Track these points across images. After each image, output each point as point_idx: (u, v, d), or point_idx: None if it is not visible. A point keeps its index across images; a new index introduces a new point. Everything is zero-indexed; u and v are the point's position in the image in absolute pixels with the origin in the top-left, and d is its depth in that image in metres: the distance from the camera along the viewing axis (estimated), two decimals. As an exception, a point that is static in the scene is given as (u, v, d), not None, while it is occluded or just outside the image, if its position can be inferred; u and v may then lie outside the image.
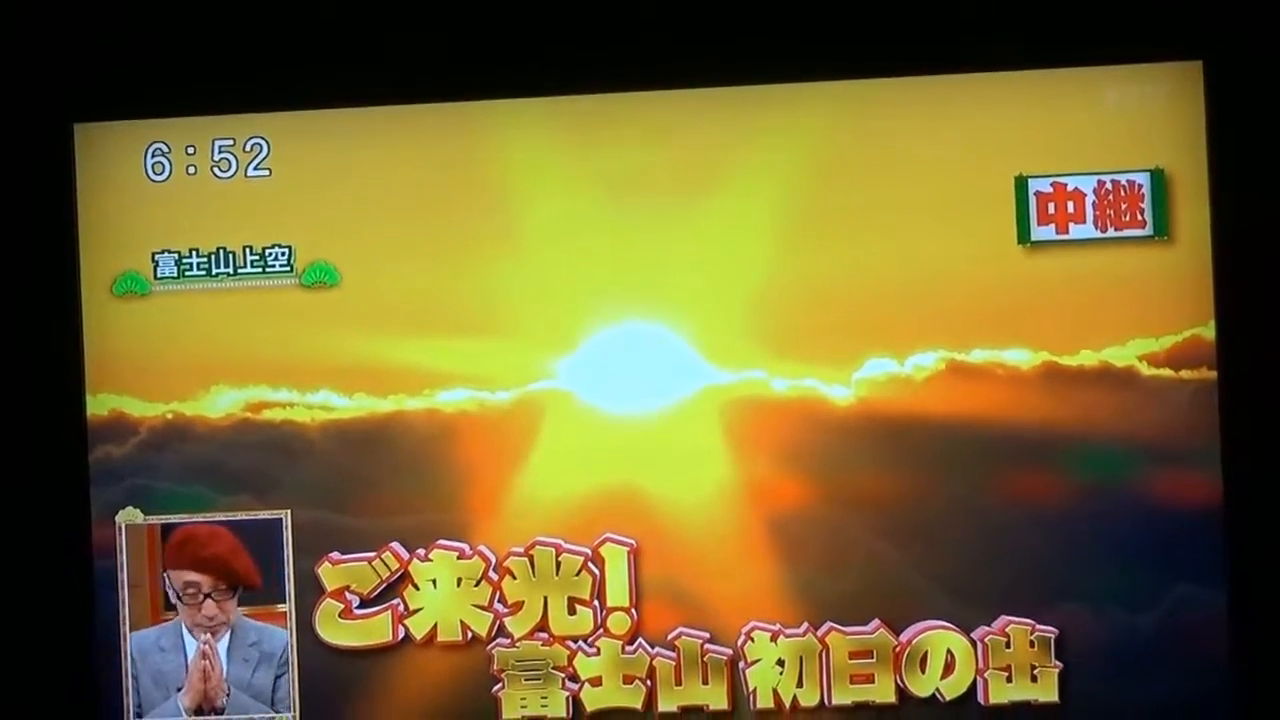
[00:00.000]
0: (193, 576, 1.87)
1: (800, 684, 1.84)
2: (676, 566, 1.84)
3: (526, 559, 1.85)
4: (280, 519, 1.86)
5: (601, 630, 1.85)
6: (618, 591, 1.84)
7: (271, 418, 1.86)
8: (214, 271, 1.86)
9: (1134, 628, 1.81)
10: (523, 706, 1.85)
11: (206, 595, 1.87)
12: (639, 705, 1.85)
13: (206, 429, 1.87)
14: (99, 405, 1.87)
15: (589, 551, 1.84)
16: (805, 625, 1.83)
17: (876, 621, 1.83)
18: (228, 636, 1.88)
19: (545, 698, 1.85)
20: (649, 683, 1.85)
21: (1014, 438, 1.82)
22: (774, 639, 1.84)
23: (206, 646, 1.87)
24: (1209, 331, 1.80)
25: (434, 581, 1.86)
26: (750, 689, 1.84)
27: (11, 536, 1.88)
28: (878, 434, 1.83)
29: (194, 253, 1.86)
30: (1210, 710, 1.80)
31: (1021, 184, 1.81)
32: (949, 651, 1.82)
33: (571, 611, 1.85)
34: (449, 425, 1.85)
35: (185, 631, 1.88)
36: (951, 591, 1.83)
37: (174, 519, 1.87)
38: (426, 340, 1.85)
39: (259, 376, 1.86)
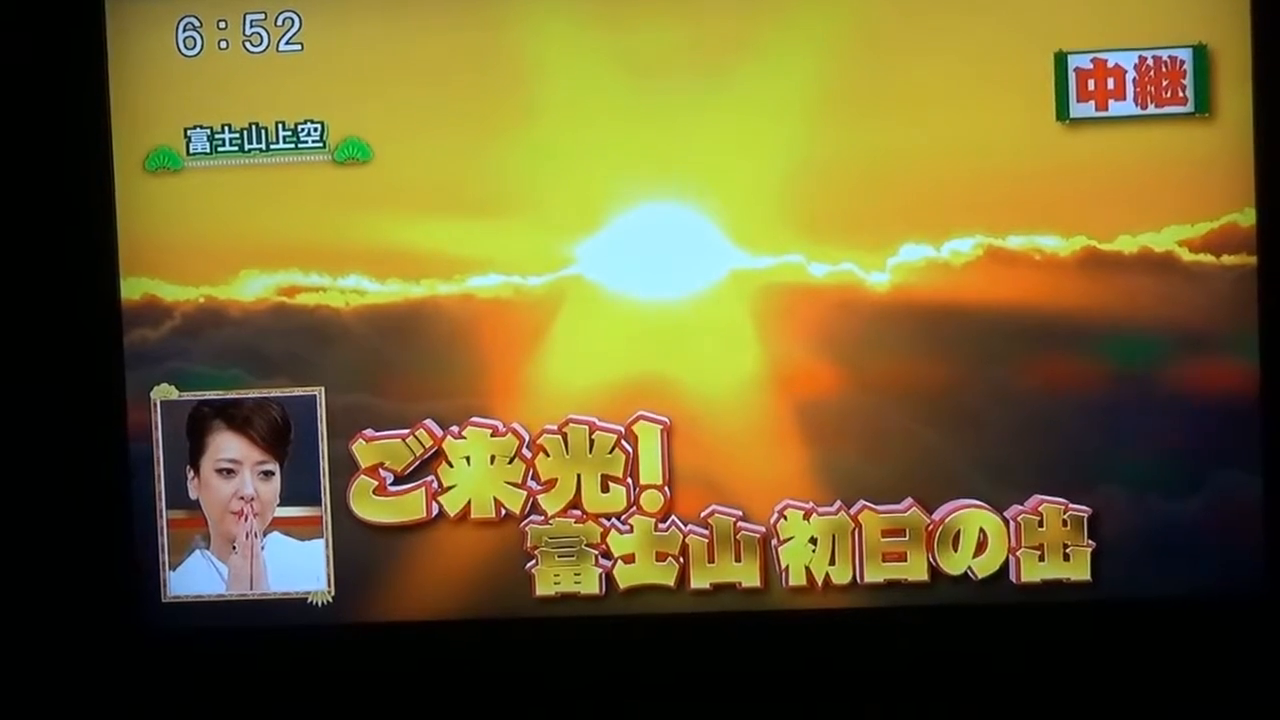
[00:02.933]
0: (231, 451, 1.88)
1: (833, 562, 1.84)
2: (709, 446, 1.84)
3: (560, 436, 1.85)
4: (314, 395, 1.87)
5: (634, 508, 1.85)
6: (650, 469, 1.84)
7: (305, 302, 1.86)
8: (246, 147, 1.85)
9: (1169, 511, 1.80)
10: (556, 583, 1.87)
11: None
12: (671, 582, 1.86)
13: (240, 313, 1.87)
14: (131, 289, 1.87)
15: (622, 429, 1.84)
16: (838, 504, 1.83)
17: (909, 500, 1.83)
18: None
19: (578, 574, 1.86)
20: (681, 560, 1.85)
21: (1049, 322, 1.80)
22: (807, 517, 1.84)
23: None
24: (1245, 219, 1.77)
25: (467, 459, 1.86)
26: (782, 566, 1.85)
27: (50, 415, 1.90)
28: (912, 318, 1.81)
29: (226, 128, 1.85)
30: (1243, 594, 1.80)
31: (1061, 60, 1.78)
32: (981, 530, 1.82)
33: (604, 489, 1.85)
34: (481, 310, 1.85)
35: (211, 560, 1.90)
36: (986, 475, 1.82)
37: (208, 395, 1.88)
38: (459, 220, 1.84)
39: (290, 259, 1.85)
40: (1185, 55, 1.77)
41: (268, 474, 1.88)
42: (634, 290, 1.84)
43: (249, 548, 1.89)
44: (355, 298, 1.86)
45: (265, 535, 1.89)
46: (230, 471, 1.88)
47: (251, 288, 1.86)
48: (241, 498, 1.88)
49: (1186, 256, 1.78)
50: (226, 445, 1.88)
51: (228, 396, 1.88)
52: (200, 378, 1.88)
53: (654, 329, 1.84)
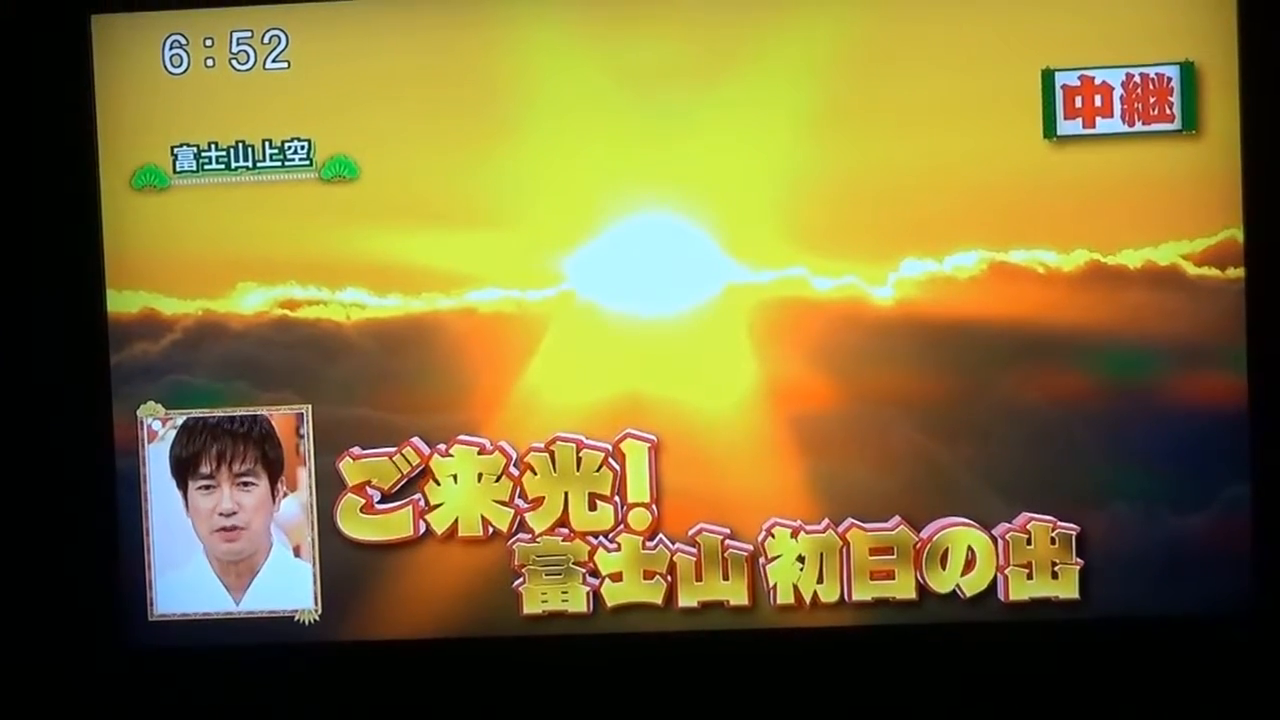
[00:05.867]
0: (208, 468, 1.87)
1: (820, 580, 1.84)
2: (698, 463, 1.84)
3: (547, 454, 1.85)
4: (301, 413, 1.86)
5: (622, 526, 1.85)
6: (638, 487, 1.84)
7: (304, 315, 1.85)
8: (233, 165, 1.85)
9: (1157, 529, 1.80)
10: (543, 601, 1.86)
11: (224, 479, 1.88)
12: (659, 600, 1.85)
13: (242, 326, 1.86)
14: (128, 302, 1.87)
15: (610, 447, 1.84)
16: (826, 521, 1.83)
17: (897, 518, 1.82)
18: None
19: (566, 593, 1.86)
20: (669, 578, 1.85)
21: (1040, 339, 1.80)
22: (794, 535, 1.83)
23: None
24: (1235, 236, 1.77)
25: (455, 477, 1.86)
26: (770, 585, 1.84)
27: (37, 435, 1.90)
28: (907, 334, 1.81)
29: (213, 146, 1.85)
30: (1231, 611, 1.80)
31: (1048, 77, 1.78)
32: (970, 548, 1.82)
33: (592, 507, 1.85)
34: (473, 326, 1.84)
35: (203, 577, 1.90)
36: (975, 492, 1.82)
37: (195, 413, 1.87)
38: (447, 238, 1.83)
39: (284, 274, 1.85)
40: (1173, 73, 1.77)
41: (248, 485, 1.87)
42: (627, 306, 1.84)
43: (236, 567, 1.89)
44: (356, 311, 1.85)
45: (261, 550, 1.88)
46: (209, 487, 1.88)
47: (248, 301, 1.85)
48: (222, 514, 1.88)
49: (1177, 273, 1.78)
50: (204, 462, 1.88)
51: (213, 414, 1.87)
52: (202, 391, 1.87)
53: (646, 345, 1.84)
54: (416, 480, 1.86)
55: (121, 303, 1.87)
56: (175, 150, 1.85)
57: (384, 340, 1.85)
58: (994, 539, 1.82)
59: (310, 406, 1.86)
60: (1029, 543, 1.81)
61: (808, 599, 1.84)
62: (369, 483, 1.87)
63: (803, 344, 1.81)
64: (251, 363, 1.87)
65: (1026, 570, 1.82)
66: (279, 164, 1.84)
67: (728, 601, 1.85)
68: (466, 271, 1.84)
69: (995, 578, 1.82)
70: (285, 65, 1.84)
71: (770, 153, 1.80)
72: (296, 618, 1.89)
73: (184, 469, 1.88)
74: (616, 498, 1.84)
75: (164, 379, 1.88)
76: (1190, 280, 1.77)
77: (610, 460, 1.84)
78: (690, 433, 1.84)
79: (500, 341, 1.84)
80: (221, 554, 1.89)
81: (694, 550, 1.85)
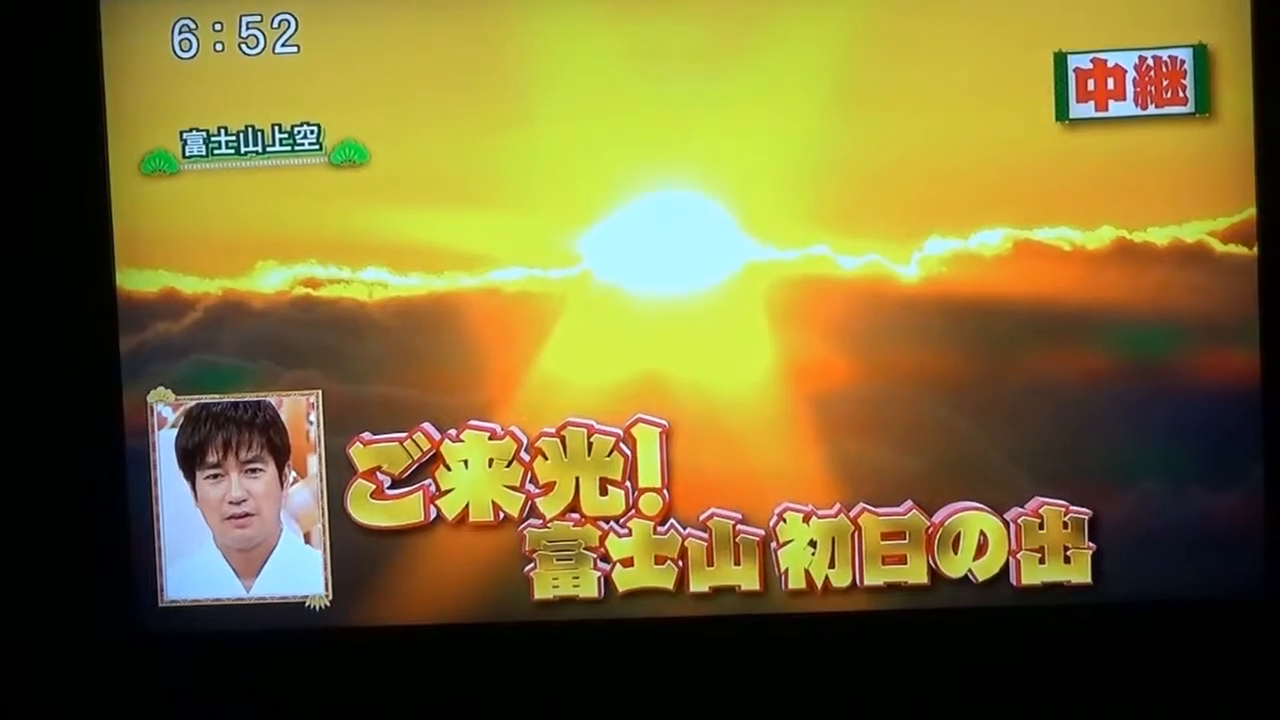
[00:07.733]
0: (215, 456, 1.87)
1: (832, 565, 1.83)
2: (709, 447, 1.83)
3: (558, 440, 1.84)
4: (311, 399, 1.86)
5: (633, 511, 1.85)
6: (649, 472, 1.84)
7: (327, 294, 1.84)
8: (242, 150, 1.84)
9: (1170, 513, 1.80)
10: (555, 587, 1.86)
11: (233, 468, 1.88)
12: (670, 586, 1.85)
13: (264, 304, 1.85)
14: (148, 281, 1.86)
15: (620, 432, 1.84)
16: (838, 506, 1.83)
17: (909, 503, 1.82)
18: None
19: (577, 578, 1.86)
20: (681, 563, 1.85)
21: (1067, 316, 1.79)
22: (806, 520, 1.83)
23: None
24: (1245, 219, 1.77)
25: (465, 462, 1.85)
26: (782, 570, 1.84)
27: (51, 418, 1.89)
28: (926, 312, 1.80)
29: (222, 131, 1.84)
30: (1243, 596, 1.79)
31: (1060, 60, 1.77)
32: (982, 533, 1.82)
33: (603, 492, 1.85)
34: (490, 306, 1.83)
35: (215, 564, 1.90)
36: (994, 473, 1.81)
37: (202, 399, 1.87)
38: (460, 220, 1.83)
39: (302, 253, 1.84)
40: (1185, 55, 1.76)
41: (255, 471, 1.87)
42: (646, 286, 1.83)
43: (247, 554, 1.88)
44: (379, 290, 1.84)
45: (271, 537, 1.88)
46: (217, 476, 1.88)
47: (269, 280, 1.84)
48: (232, 501, 1.87)
49: (1204, 250, 1.77)
50: (211, 451, 1.87)
51: (218, 402, 1.87)
52: (226, 370, 1.87)
53: (665, 326, 1.83)
54: (427, 465, 1.86)
55: (141, 281, 1.86)
56: (184, 135, 1.85)
57: (406, 319, 1.84)
58: (1006, 523, 1.81)
59: (320, 392, 1.86)
60: (1041, 527, 1.81)
61: (819, 584, 1.84)
62: (379, 468, 1.86)
63: (824, 323, 1.81)
64: (275, 341, 1.86)
65: (1039, 555, 1.81)
66: (288, 149, 1.84)
67: (739, 586, 1.85)
68: (482, 252, 1.83)
69: (1007, 562, 1.82)
70: (295, 49, 1.84)
71: (789, 132, 1.80)
72: (307, 603, 1.89)
73: (191, 459, 1.88)
74: (628, 483, 1.84)
75: (187, 358, 1.87)
76: (1217, 257, 1.77)
77: (621, 445, 1.84)
78: (704, 415, 1.83)
79: (518, 322, 1.83)
80: (232, 541, 1.88)
81: (705, 535, 1.84)
